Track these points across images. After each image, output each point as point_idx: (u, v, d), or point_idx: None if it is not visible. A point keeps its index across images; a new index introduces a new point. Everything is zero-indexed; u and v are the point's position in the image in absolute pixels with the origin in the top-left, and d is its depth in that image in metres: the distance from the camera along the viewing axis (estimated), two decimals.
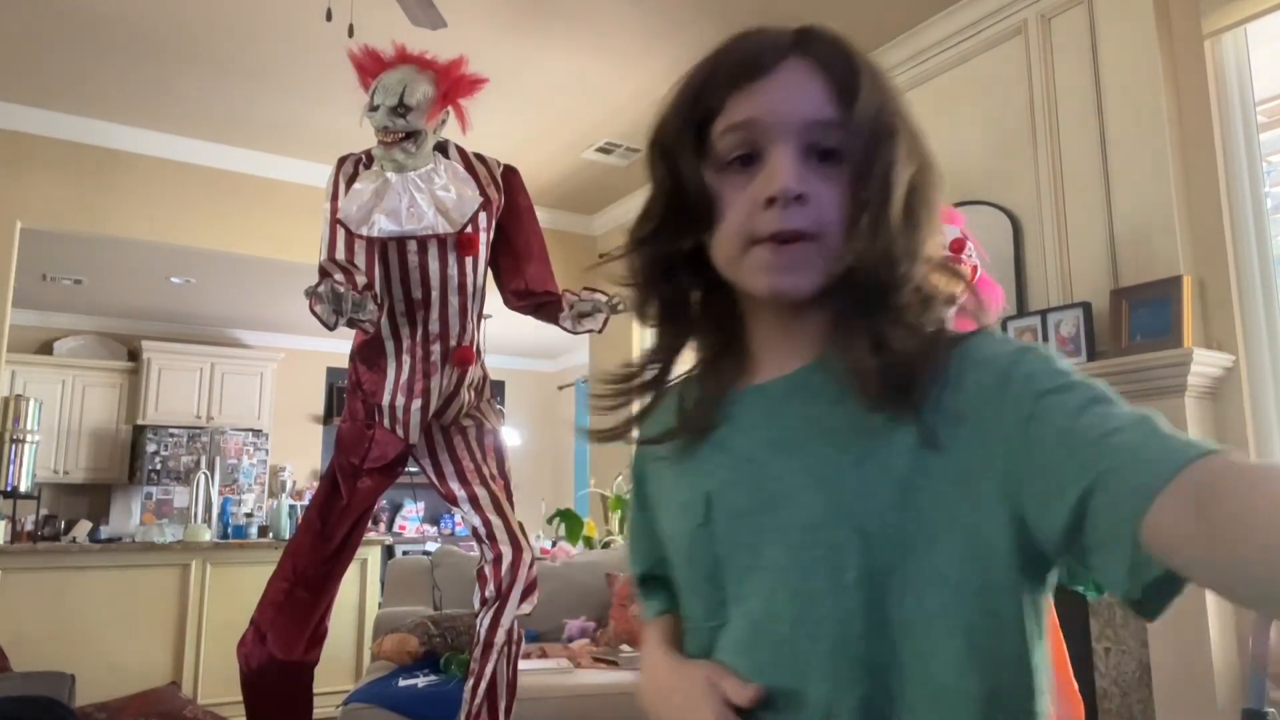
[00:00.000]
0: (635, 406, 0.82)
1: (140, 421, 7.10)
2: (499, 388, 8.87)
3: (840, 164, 0.68)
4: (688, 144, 0.71)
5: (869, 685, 0.64)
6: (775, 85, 0.68)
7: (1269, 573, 0.45)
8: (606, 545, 4.56)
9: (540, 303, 2.55)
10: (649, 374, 0.79)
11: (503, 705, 2.36)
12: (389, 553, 6.44)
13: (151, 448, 7.07)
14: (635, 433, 0.82)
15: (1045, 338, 2.91)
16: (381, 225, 2.34)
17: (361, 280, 2.21)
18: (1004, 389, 0.62)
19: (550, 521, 4.93)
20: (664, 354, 0.79)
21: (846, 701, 0.65)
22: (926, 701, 0.64)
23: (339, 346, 7.74)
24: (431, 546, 7.24)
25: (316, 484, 2.91)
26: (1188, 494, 0.50)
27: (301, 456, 8.03)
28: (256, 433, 7.49)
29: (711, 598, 0.73)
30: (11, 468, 5.84)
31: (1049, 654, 0.67)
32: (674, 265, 0.74)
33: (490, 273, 2.57)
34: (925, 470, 0.64)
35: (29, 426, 6.02)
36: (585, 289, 2.53)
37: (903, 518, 0.64)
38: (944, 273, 0.72)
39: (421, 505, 8.37)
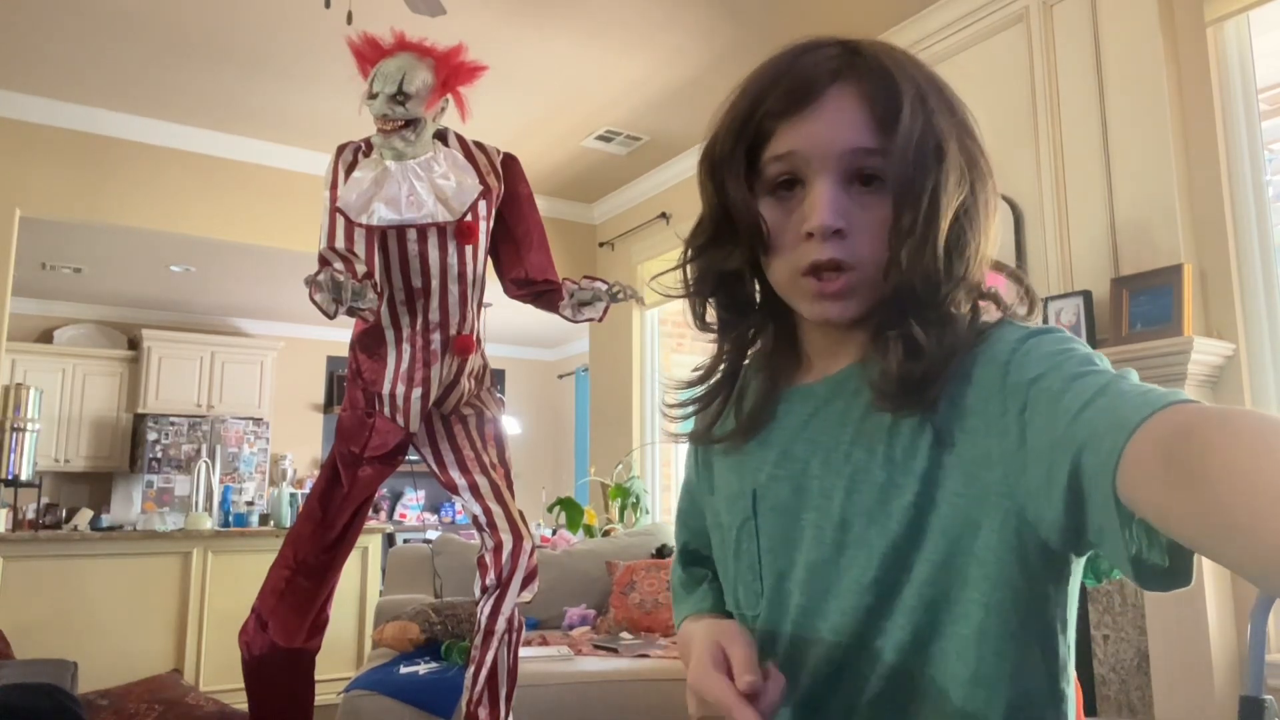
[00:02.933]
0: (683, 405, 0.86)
1: (141, 410, 7.11)
2: (499, 376, 8.87)
3: (884, 189, 0.69)
4: (737, 168, 0.72)
5: (882, 676, 0.67)
6: (819, 115, 0.69)
7: (1244, 518, 0.43)
8: (607, 534, 4.57)
9: (540, 291, 2.55)
10: (718, 379, 0.82)
11: (503, 692, 2.37)
12: (390, 541, 6.45)
13: (152, 436, 7.08)
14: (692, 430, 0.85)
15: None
16: (381, 214, 2.33)
17: (361, 269, 2.21)
18: (1003, 381, 0.64)
19: (550, 510, 4.93)
20: (729, 359, 0.81)
21: (857, 692, 0.68)
22: (934, 688, 0.66)
23: (339, 335, 7.75)
24: (432, 534, 7.25)
25: (317, 472, 2.91)
26: (1152, 446, 0.50)
27: (302, 445, 8.05)
28: (257, 421, 7.50)
29: (753, 588, 0.76)
30: (12, 456, 5.84)
31: (1073, 642, 0.69)
32: (727, 276, 0.77)
33: (490, 261, 2.57)
34: (942, 467, 0.66)
35: (30, 415, 6.02)
36: (585, 277, 2.52)
37: (921, 516, 0.66)
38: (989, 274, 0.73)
39: (422, 493, 8.39)
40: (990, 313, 0.72)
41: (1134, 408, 0.53)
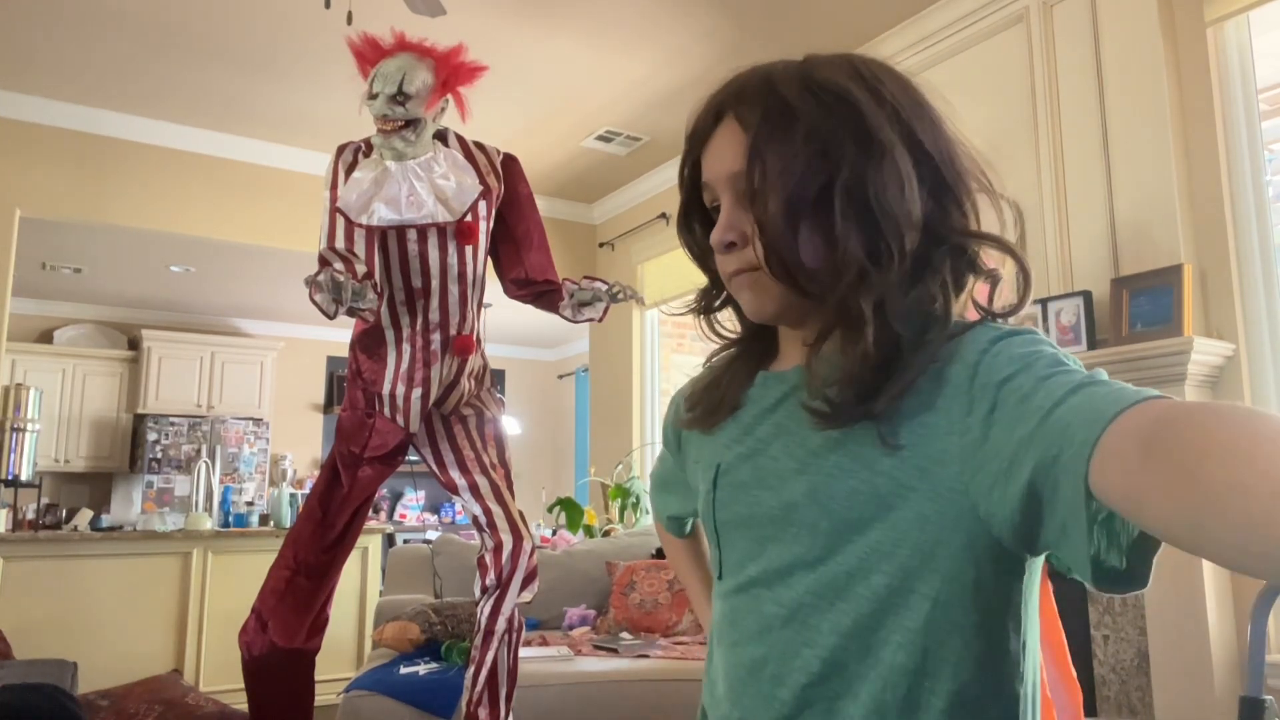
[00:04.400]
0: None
1: (141, 410, 7.11)
2: (499, 377, 8.87)
3: None
4: (685, 203, 0.83)
5: (818, 656, 0.69)
6: (711, 148, 0.77)
7: (1231, 506, 0.43)
8: (607, 534, 4.57)
9: (540, 291, 2.54)
10: (718, 374, 0.88)
11: (503, 693, 2.37)
12: (390, 541, 6.45)
13: (152, 436, 7.08)
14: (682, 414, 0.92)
15: (1046, 326, 2.91)
16: (381, 214, 2.33)
17: (361, 269, 2.20)
18: (971, 382, 0.65)
19: (550, 510, 4.93)
20: (736, 354, 0.88)
21: (790, 668, 0.70)
22: (872, 675, 0.67)
23: (339, 335, 7.75)
24: (432, 535, 7.25)
25: (317, 473, 2.91)
26: (1129, 436, 0.50)
27: (302, 445, 8.05)
28: (257, 421, 7.50)
29: (714, 554, 0.82)
30: (12, 456, 5.84)
31: (1034, 642, 0.70)
32: (716, 296, 0.86)
33: (490, 261, 2.57)
34: (897, 460, 0.67)
35: (30, 415, 6.02)
36: (585, 277, 2.52)
37: (865, 502, 0.68)
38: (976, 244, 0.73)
39: (422, 494, 8.39)
40: (969, 312, 0.73)
41: (1110, 402, 0.53)
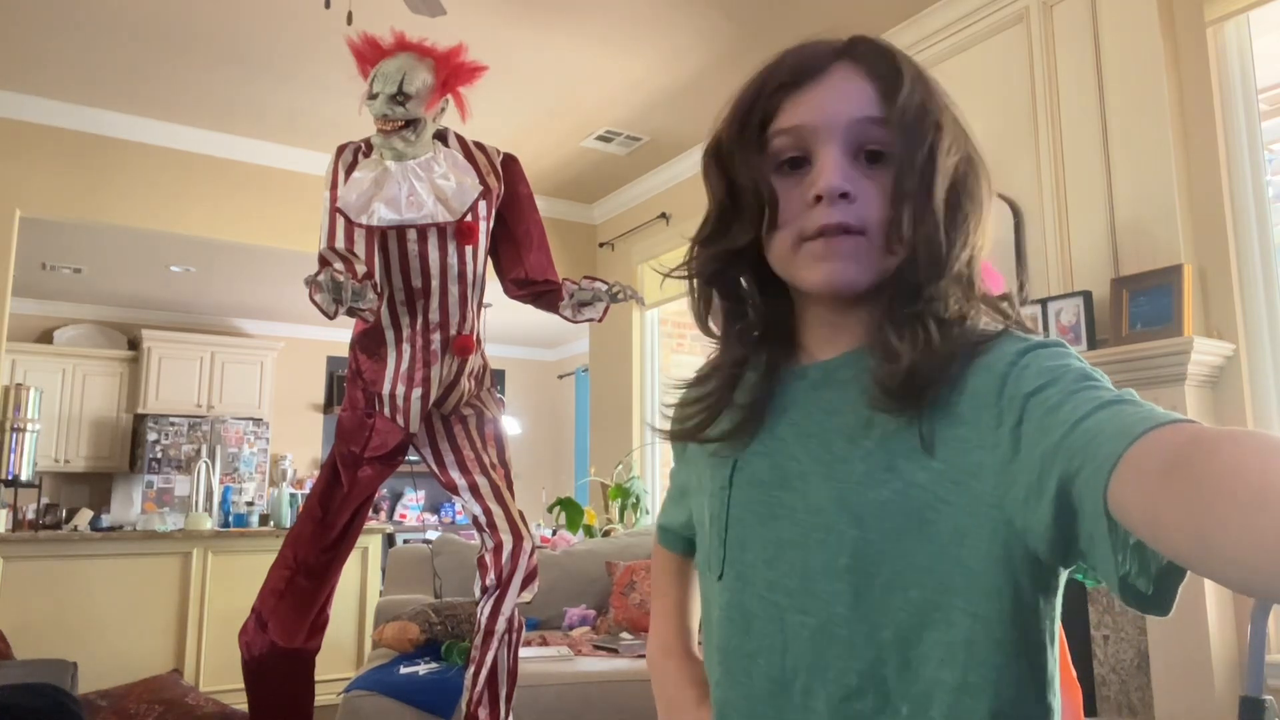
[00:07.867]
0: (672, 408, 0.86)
1: (141, 410, 7.11)
2: (499, 376, 8.87)
3: (887, 163, 0.70)
4: (746, 145, 0.74)
5: (853, 669, 0.67)
6: (824, 88, 0.71)
7: (1246, 533, 0.43)
8: (607, 534, 4.57)
9: (540, 291, 2.55)
10: (718, 380, 0.80)
11: (503, 693, 2.37)
12: (390, 541, 6.45)
13: (152, 436, 7.08)
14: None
15: (1045, 326, 2.91)
16: (381, 214, 2.34)
17: (361, 269, 2.21)
18: (999, 393, 0.64)
19: (550, 510, 4.94)
20: (730, 358, 0.81)
21: (823, 681, 0.68)
22: (914, 691, 0.65)
23: (339, 335, 7.75)
24: (432, 535, 7.25)
25: (317, 473, 2.91)
26: (1151, 458, 0.49)
27: (302, 445, 8.05)
28: (257, 421, 7.50)
29: (717, 554, 0.77)
30: (12, 456, 5.84)
31: (1058, 659, 0.68)
32: (729, 267, 0.78)
33: (490, 261, 2.57)
34: (927, 471, 0.66)
35: (30, 415, 6.03)
36: (585, 277, 2.53)
37: (898, 513, 0.66)
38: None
39: (422, 494, 8.39)
40: (989, 319, 0.72)
41: (1139, 420, 0.53)
